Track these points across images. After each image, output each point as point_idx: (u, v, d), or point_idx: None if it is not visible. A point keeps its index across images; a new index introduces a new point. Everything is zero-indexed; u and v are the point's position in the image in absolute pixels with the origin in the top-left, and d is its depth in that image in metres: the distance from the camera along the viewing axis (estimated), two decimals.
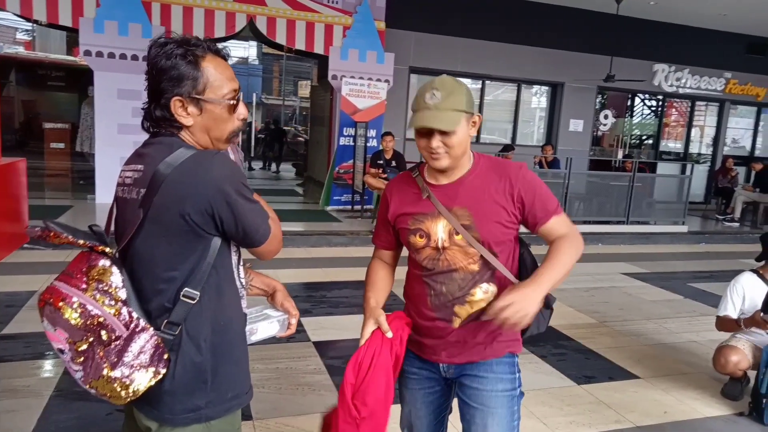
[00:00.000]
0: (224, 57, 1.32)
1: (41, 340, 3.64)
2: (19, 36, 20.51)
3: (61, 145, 10.45)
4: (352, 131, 9.07)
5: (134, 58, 8.02)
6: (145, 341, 1.19)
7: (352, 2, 9.08)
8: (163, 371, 1.21)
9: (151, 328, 1.21)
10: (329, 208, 9.21)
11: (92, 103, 8.46)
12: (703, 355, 4.09)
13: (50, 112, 14.89)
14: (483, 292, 1.58)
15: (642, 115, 13.89)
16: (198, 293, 1.23)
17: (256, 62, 32.27)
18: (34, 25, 14.50)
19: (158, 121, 1.29)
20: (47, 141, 10.12)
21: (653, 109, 13.53)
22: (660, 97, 12.95)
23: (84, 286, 1.19)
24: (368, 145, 8.81)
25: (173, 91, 1.25)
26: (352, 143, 9.09)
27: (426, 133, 1.51)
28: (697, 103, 13.24)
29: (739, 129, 14.01)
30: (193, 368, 1.25)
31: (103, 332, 1.17)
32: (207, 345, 1.26)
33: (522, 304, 1.40)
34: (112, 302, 1.19)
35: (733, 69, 12.52)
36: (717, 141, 13.45)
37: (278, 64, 31.02)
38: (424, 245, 1.61)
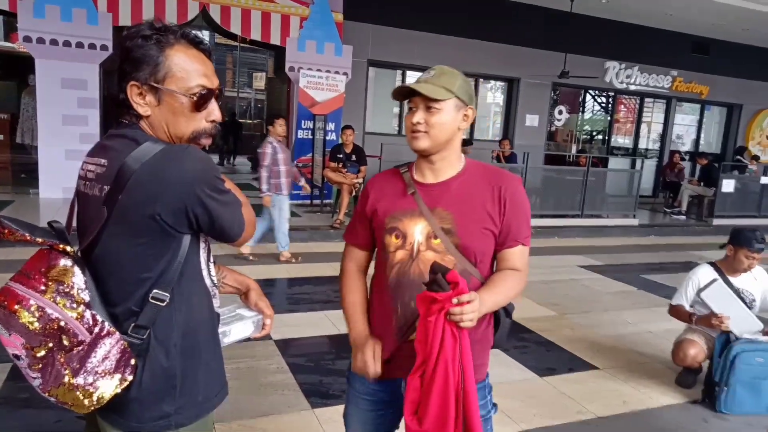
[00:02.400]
0: (203, 50, 1.22)
1: None
2: None
3: (0, 137, 9.90)
4: (310, 124, 8.93)
5: (79, 45, 7.64)
6: (110, 346, 1.11)
7: None
8: (130, 378, 1.13)
9: (117, 333, 1.12)
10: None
11: (33, 93, 8.03)
12: (658, 345, 4.21)
13: None
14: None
15: (593, 111, 14.29)
16: (168, 295, 1.15)
17: None
18: None
19: (119, 106, 1.19)
20: None
21: (603, 105, 13.93)
22: (611, 93, 13.33)
23: (43, 287, 1.09)
24: (327, 138, 8.70)
25: (131, 75, 1.15)
26: (310, 136, 8.96)
27: (414, 110, 1.46)
28: (646, 99, 13.71)
29: (684, 125, 14.60)
30: (162, 374, 1.17)
31: (63, 337, 1.08)
32: (176, 349, 1.18)
33: (477, 308, 1.31)
34: (74, 305, 1.09)
35: (679, 67, 13.01)
36: (664, 137, 13.97)
37: (232, 55, 30.35)
38: (398, 247, 1.50)
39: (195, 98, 1.18)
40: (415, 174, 1.55)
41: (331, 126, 8.95)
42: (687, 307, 3.52)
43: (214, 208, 1.13)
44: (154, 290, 1.14)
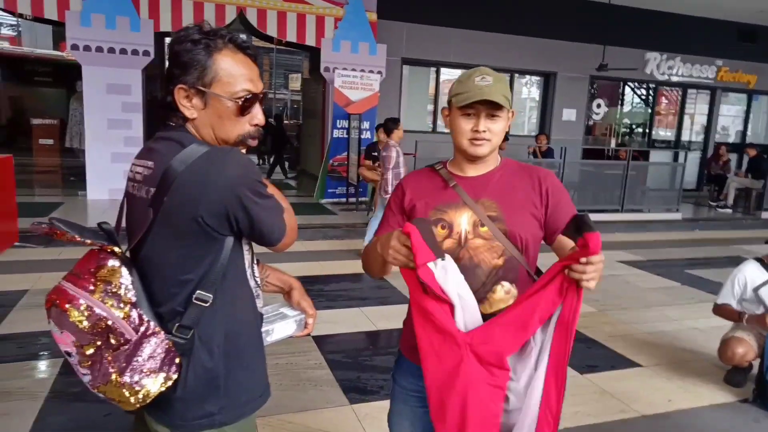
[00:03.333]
0: (250, 55, 1.24)
1: (35, 340, 3.57)
2: (4, 31, 20.22)
3: (50, 141, 10.32)
4: (345, 123, 9.00)
5: (123, 51, 7.89)
6: (155, 345, 1.14)
7: None
8: (175, 376, 1.16)
9: (162, 332, 1.16)
10: (324, 200, 9.15)
11: (81, 99, 8.33)
12: (703, 342, 4.08)
13: (38, 108, 14.68)
14: (505, 291, 1.47)
15: (633, 103, 13.91)
16: (211, 296, 1.18)
17: None
18: (19, 19, 14.26)
19: (166, 109, 1.23)
20: (35, 137, 9.99)
21: (644, 97, 13.54)
22: (652, 85, 12.95)
23: (92, 287, 1.13)
24: (362, 137, 8.74)
25: (179, 78, 1.18)
26: (345, 135, 9.02)
27: (472, 116, 1.47)
28: (689, 90, 13.27)
29: (730, 116, 14.07)
30: (205, 374, 1.20)
31: (111, 336, 1.12)
32: (220, 350, 1.21)
33: (601, 270, 1.25)
34: (121, 305, 1.13)
35: (725, 56, 12.54)
36: (708, 128, 13.49)
37: (268, 57, 30.83)
38: (445, 237, 1.51)
39: (240, 102, 1.20)
40: (452, 169, 1.59)
41: (365, 125, 8.99)
42: (734, 306, 3.40)
43: (255, 212, 1.15)
44: (198, 291, 1.17)
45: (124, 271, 1.15)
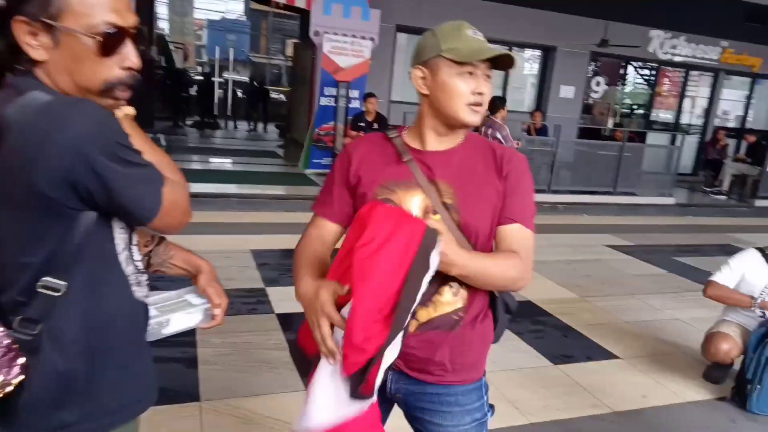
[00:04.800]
0: None
1: None
2: None
3: None
4: (333, 91, 8.67)
5: None
6: None
7: None
8: (16, 381, 0.94)
9: (1, 327, 0.94)
10: (309, 171, 8.90)
11: None
12: (686, 334, 3.92)
13: None
14: (453, 293, 1.29)
15: (634, 83, 13.59)
16: (64, 284, 0.96)
17: (244, 18, 31.48)
18: None
19: (7, 51, 0.95)
20: None
21: (646, 77, 13.22)
22: (654, 65, 12.61)
23: None
24: (350, 106, 8.44)
25: (16, 8, 0.92)
26: (333, 104, 8.71)
27: (471, 76, 1.27)
28: (691, 72, 12.93)
29: (732, 100, 13.76)
30: (57, 376, 0.99)
31: None
32: (77, 347, 1.00)
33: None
34: None
35: (731, 38, 12.17)
36: (709, 112, 13.21)
37: (266, 21, 30.18)
38: None
39: (102, 39, 0.94)
40: (409, 140, 1.35)
41: (354, 93, 8.68)
42: (730, 287, 3.18)
43: (113, 182, 0.91)
44: (44, 278, 0.95)
45: None
